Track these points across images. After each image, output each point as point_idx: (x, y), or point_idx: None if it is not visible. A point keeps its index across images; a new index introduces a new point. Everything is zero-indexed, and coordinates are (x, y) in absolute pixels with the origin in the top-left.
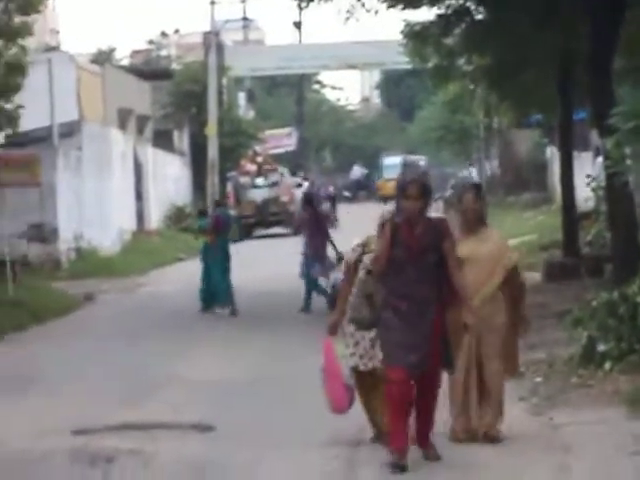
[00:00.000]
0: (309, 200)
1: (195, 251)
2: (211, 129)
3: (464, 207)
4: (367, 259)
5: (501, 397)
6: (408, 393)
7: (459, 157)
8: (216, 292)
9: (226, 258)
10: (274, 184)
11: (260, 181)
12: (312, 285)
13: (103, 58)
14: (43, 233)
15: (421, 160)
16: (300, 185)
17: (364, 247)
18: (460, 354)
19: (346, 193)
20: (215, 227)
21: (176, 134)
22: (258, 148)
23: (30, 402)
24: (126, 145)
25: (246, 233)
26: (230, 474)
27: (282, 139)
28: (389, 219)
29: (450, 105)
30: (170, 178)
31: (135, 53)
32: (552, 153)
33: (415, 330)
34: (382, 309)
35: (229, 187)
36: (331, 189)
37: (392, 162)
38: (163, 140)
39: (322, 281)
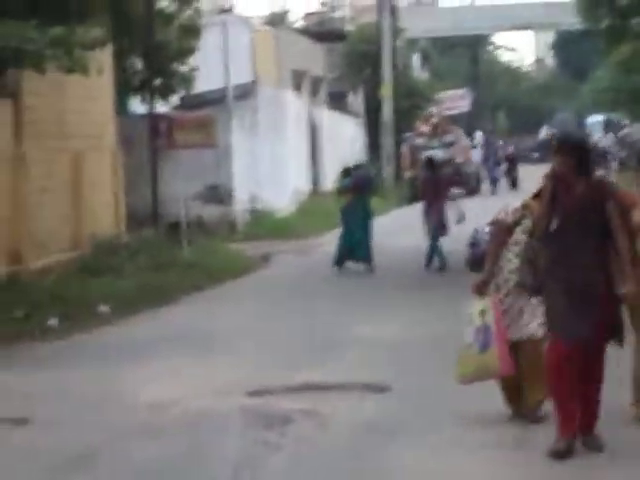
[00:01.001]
0: (430, 164)
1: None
2: (386, 90)
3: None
4: (528, 223)
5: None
6: (572, 367)
7: (633, 117)
8: (356, 248)
9: (367, 216)
10: (449, 145)
11: (435, 142)
12: (434, 244)
13: (277, 20)
14: (219, 194)
15: (623, 121)
16: (475, 147)
17: (525, 209)
18: None
19: (535, 154)
20: (355, 186)
21: (350, 95)
22: (433, 109)
23: (208, 361)
24: (301, 107)
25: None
26: (407, 435)
27: (456, 100)
28: (549, 178)
29: (622, 66)
30: (345, 139)
31: (308, 15)
32: None
33: (580, 299)
34: (545, 276)
35: (404, 148)
36: (511, 149)
37: (595, 120)
38: (337, 102)
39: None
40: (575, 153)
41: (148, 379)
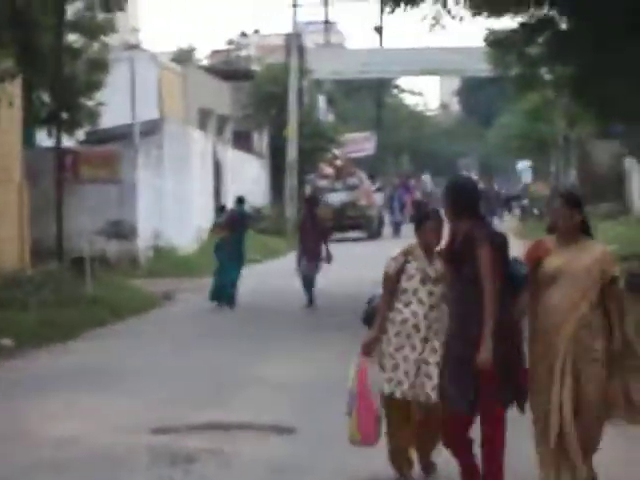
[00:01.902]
0: (311, 200)
1: (273, 253)
2: (291, 131)
3: (554, 218)
4: (412, 270)
5: (595, 447)
6: (457, 434)
7: (536, 166)
8: (224, 286)
9: (239, 255)
10: (353, 188)
11: (339, 185)
12: (305, 281)
13: (183, 57)
14: (122, 230)
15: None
16: (380, 189)
17: (407, 256)
18: (550, 392)
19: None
20: (229, 223)
21: (255, 135)
22: (337, 151)
23: (111, 399)
24: (206, 145)
25: None
26: (310, 477)
27: (361, 143)
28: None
29: (530, 114)
30: (249, 179)
31: (215, 53)
32: (630, 165)
33: (461, 359)
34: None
35: (307, 190)
36: (417, 193)
37: (524, 165)
38: (242, 141)
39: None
40: (453, 196)
41: (51, 415)
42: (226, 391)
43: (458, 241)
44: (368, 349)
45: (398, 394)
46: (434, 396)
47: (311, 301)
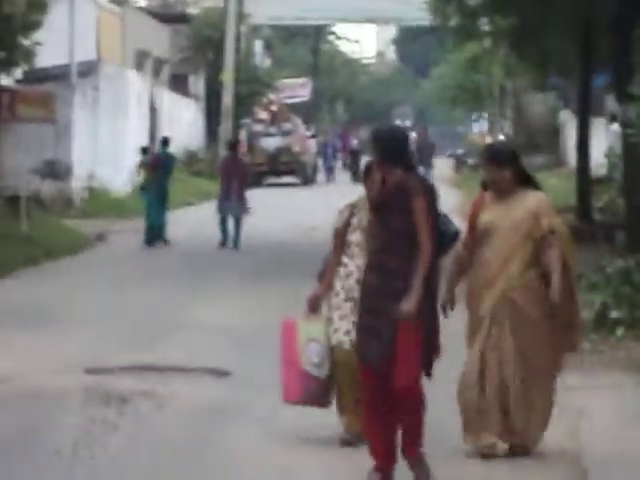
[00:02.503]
0: (232, 146)
1: (207, 195)
2: (227, 75)
3: (487, 175)
4: (356, 222)
5: (549, 404)
6: (376, 392)
7: (471, 116)
8: (153, 227)
9: (163, 195)
10: (287, 133)
11: (273, 130)
12: (222, 221)
13: None
14: (57, 170)
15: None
16: (314, 136)
17: (353, 208)
18: (472, 349)
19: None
20: (153, 164)
21: (192, 79)
22: (273, 97)
23: (43, 338)
24: (142, 87)
25: (257, 180)
26: (245, 420)
27: (296, 89)
28: (366, 169)
29: (467, 64)
30: (184, 122)
31: None
32: (565, 117)
33: (379, 310)
34: (360, 282)
35: (242, 134)
36: (354, 142)
37: None
38: (179, 84)
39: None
40: (381, 145)
41: None
42: (160, 333)
43: (387, 190)
44: (314, 305)
45: (347, 345)
46: (348, 342)
47: (235, 244)
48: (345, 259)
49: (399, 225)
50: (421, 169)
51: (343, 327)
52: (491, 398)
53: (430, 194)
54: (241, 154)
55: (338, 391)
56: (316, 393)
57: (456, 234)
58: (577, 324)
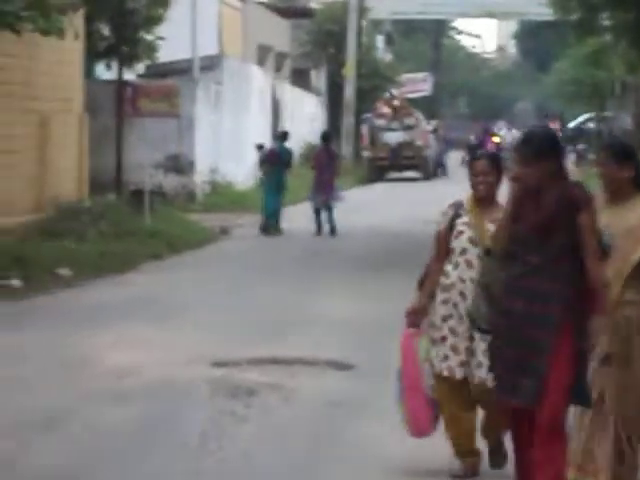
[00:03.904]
0: (325, 137)
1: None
2: (349, 70)
3: (600, 170)
4: (461, 225)
5: None
6: (523, 429)
7: (591, 111)
8: (268, 216)
9: (279, 187)
10: (409, 128)
11: (395, 124)
12: (316, 210)
13: None
14: (180, 164)
15: None
16: (435, 130)
17: (457, 209)
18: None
19: None
20: (269, 158)
21: (313, 73)
22: (394, 91)
23: (169, 331)
24: (264, 82)
25: (379, 175)
26: (369, 413)
27: (418, 83)
28: (516, 179)
29: (587, 59)
30: (306, 117)
31: None
32: None
33: (527, 342)
34: (497, 309)
35: (364, 129)
36: (471, 137)
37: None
38: (300, 78)
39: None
40: (538, 161)
41: (111, 345)
42: (285, 326)
43: (550, 202)
44: (414, 319)
45: (445, 372)
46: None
47: (333, 231)
48: (447, 267)
49: (561, 244)
50: None
51: (441, 352)
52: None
53: (593, 206)
54: (332, 147)
55: (446, 421)
56: (436, 421)
57: (609, 248)
58: None
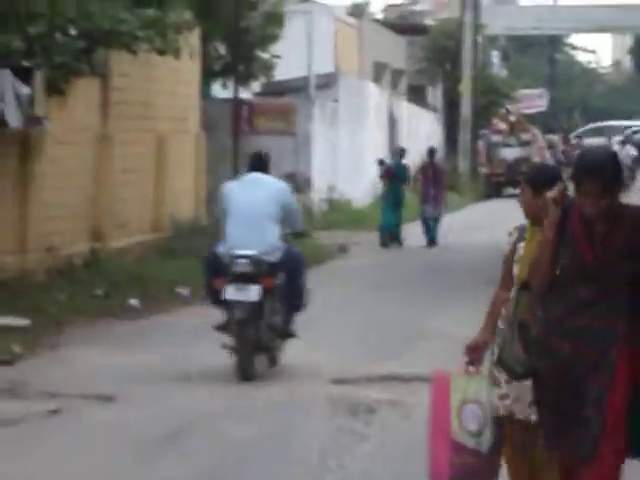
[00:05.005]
0: (431, 153)
1: (447, 207)
2: (465, 86)
3: None
4: (521, 249)
5: None
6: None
7: None
8: (389, 229)
9: (397, 201)
10: (526, 143)
11: (512, 140)
12: (424, 223)
13: (358, 11)
14: (297, 182)
15: None
16: (552, 147)
17: (522, 232)
18: None
19: None
20: (386, 174)
21: (429, 90)
22: (511, 107)
23: (288, 347)
24: (381, 99)
25: (496, 191)
26: None
27: (534, 99)
28: (558, 205)
29: None
30: (423, 133)
31: (389, 7)
32: None
33: (579, 390)
34: (538, 350)
35: (480, 145)
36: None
37: None
38: (416, 95)
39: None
40: (607, 191)
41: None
42: (403, 343)
43: (623, 229)
44: (475, 355)
45: (502, 410)
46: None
47: (432, 242)
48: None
49: (623, 275)
50: None
51: (512, 393)
52: None
53: None
54: (437, 162)
55: (509, 472)
56: (473, 471)
57: None
58: None
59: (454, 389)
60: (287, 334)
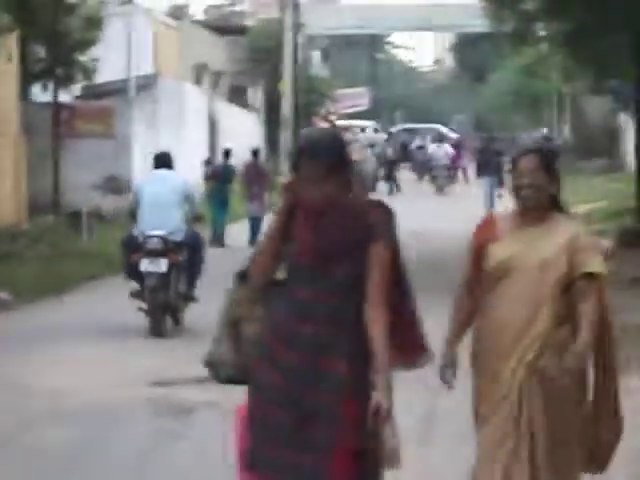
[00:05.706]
0: (254, 153)
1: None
2: (285, 85)
3: (516, 181)
4: None
5: None
6: None
7: (530, 122)
8: (216, 231)
9: (223, 202)
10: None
11: None
12: (252, 222)
13: (178, 13)
14: (117, 185)
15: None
16: (372, 146)
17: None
18: (488, 439)
19: None
20: (213, 175)
21: (250, 90)
22: (332, 107)
23: (108, 352)
24: (201, 100)
25: None
26: None
27: (355, 98)
28: (288, 191)
29: (524, 70)
30: (244, 134)
31: (209, 8)
32: (624, 120)
33: (300, 405)
34: (259, 354)
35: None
36: (390, 151)
37: None
38: (237, 96)
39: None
40: (329, 174)
41: (50, 367)
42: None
43: (333, 226)
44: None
45: None
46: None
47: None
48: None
49: (347, 276)
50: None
51: None
52: None
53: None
54: (260, 162)
55: None
56: None
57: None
58: (605, 440)
59: None
60: (190, 298)
